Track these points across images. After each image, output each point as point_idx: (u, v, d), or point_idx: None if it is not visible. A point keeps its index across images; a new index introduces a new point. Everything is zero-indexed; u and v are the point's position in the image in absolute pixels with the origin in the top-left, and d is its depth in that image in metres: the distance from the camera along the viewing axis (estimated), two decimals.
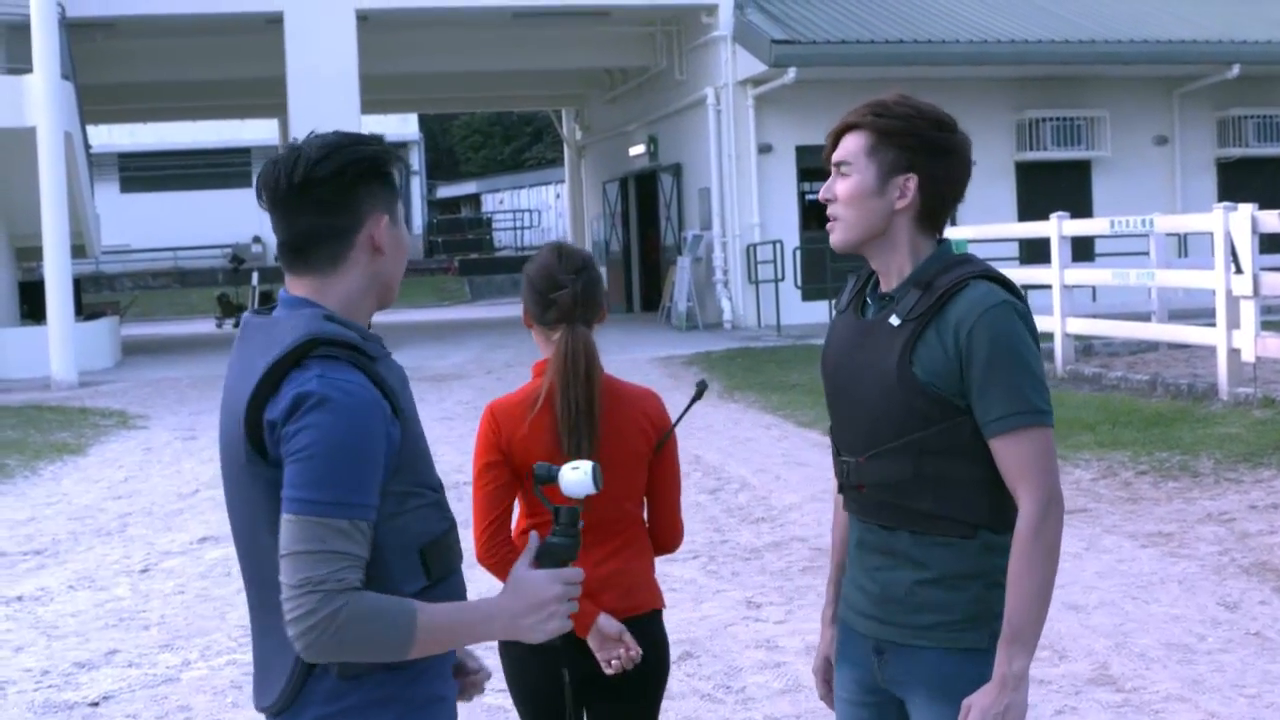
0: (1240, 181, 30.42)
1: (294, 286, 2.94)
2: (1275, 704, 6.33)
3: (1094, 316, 19.04)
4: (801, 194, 29.28)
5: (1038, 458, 3.16)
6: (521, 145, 76.30)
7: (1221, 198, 28.38)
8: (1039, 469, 3.16)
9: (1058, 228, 17.40)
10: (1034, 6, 30.38)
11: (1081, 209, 27.98)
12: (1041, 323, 18.15)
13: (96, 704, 7.06)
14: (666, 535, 4.24)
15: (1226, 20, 30.46)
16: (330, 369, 2.75)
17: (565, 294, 4.05)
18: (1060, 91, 29.98)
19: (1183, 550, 9.25)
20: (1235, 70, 28.91)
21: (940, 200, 3.34)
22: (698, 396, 4.27)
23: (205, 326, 40.66)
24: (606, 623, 3.97)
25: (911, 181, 3.30)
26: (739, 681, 7.03)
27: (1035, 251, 24.01)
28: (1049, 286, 17.81)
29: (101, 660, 7.82)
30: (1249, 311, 14.02)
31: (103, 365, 26.26)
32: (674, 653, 7.39)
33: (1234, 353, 14.19)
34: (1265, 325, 15.84)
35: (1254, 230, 13.90)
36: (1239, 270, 14.02)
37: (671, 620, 8.02)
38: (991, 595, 3.21)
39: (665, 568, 9.37)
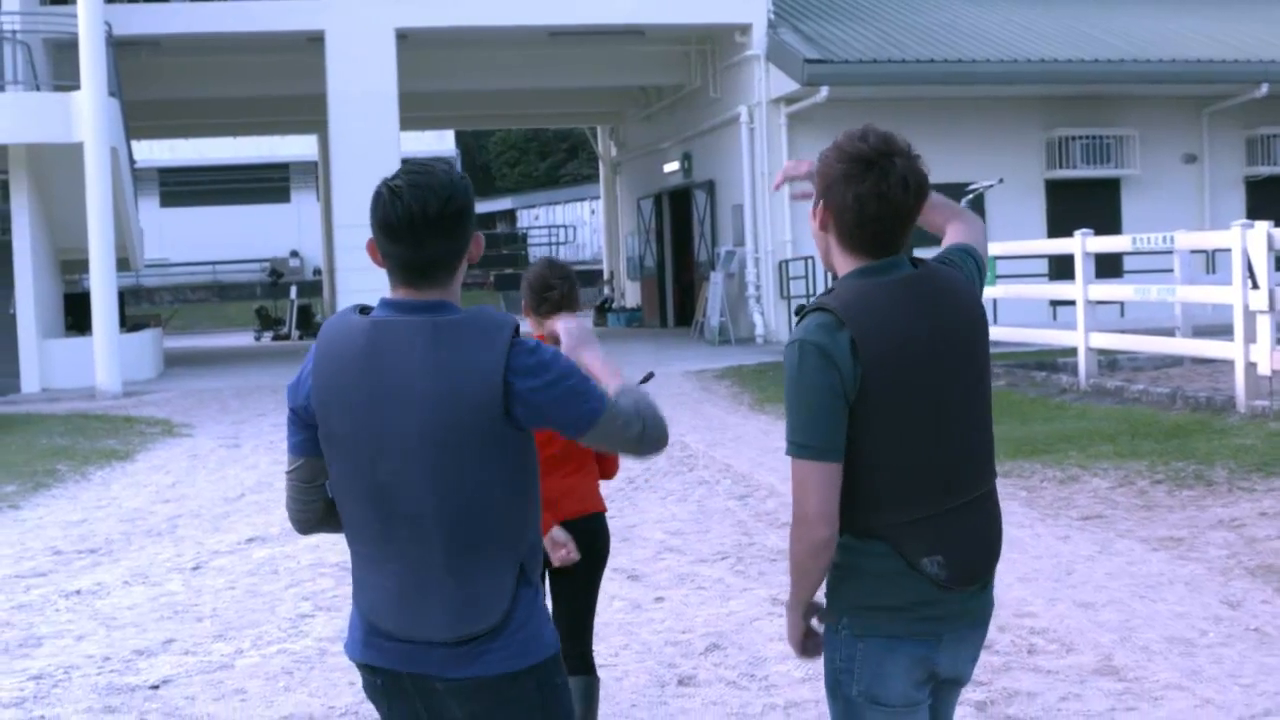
0: (1269, 199, 30.69)
1: (419, 292, 3.53)
2: (1269, 692, 6.70)
3: (1121, 331, 19.41)
4: None
5: (795, 484, 3.56)
6: (557, 161, 76.80)
7: (1250, 215, 28.69)
8: (794, 494, 3.56)
9: (1081, 244, 17.75)
10: (1063, 26, 30.76)
11: (1110, 226, 28.34)
12: (1065, 337, 18.55)
13: (157, 687, 7.49)
14: (609, 467, 5.96)
15: (1255, 40, 30.79)
16: (531, 345, 3.52)
17: (555, 293, 5.66)
18: (1089, 110, 30.32)
19: (1192, 554, 9.61)
20: (1264, 89, 29.24)
21: (844, 225, 3.64)
22: (643, 382, 4.78)
23: (244, 339, 41.27)
24: (557, 532, 5.51)
25: (818, 209, 3.68)
26: (763, 670, 7.41)
27: (1064, 268, 24.35)
28: (1074, 302, 18.17)
29: (159, 648, 8.27)
30: (1265, 326, 14.37)
31: (146, 376, 26.78)
32: (702, 645, 7.85)
33: (1251, 366, 14.55)
34: None
35: (1270, 247, 14.26)
36: (1255, 286, 14.36)
37: (701, 616, 8.46)
38: (839, 584, 3.66)
39: (696, 568, 9.80)
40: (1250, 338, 14.54)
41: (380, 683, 3.55)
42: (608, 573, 9.71)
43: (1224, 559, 9.41)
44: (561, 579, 5.76)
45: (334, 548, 10.88)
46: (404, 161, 3.73)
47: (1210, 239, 17.75)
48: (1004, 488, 12.31)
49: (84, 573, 10.44)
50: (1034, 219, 29.79)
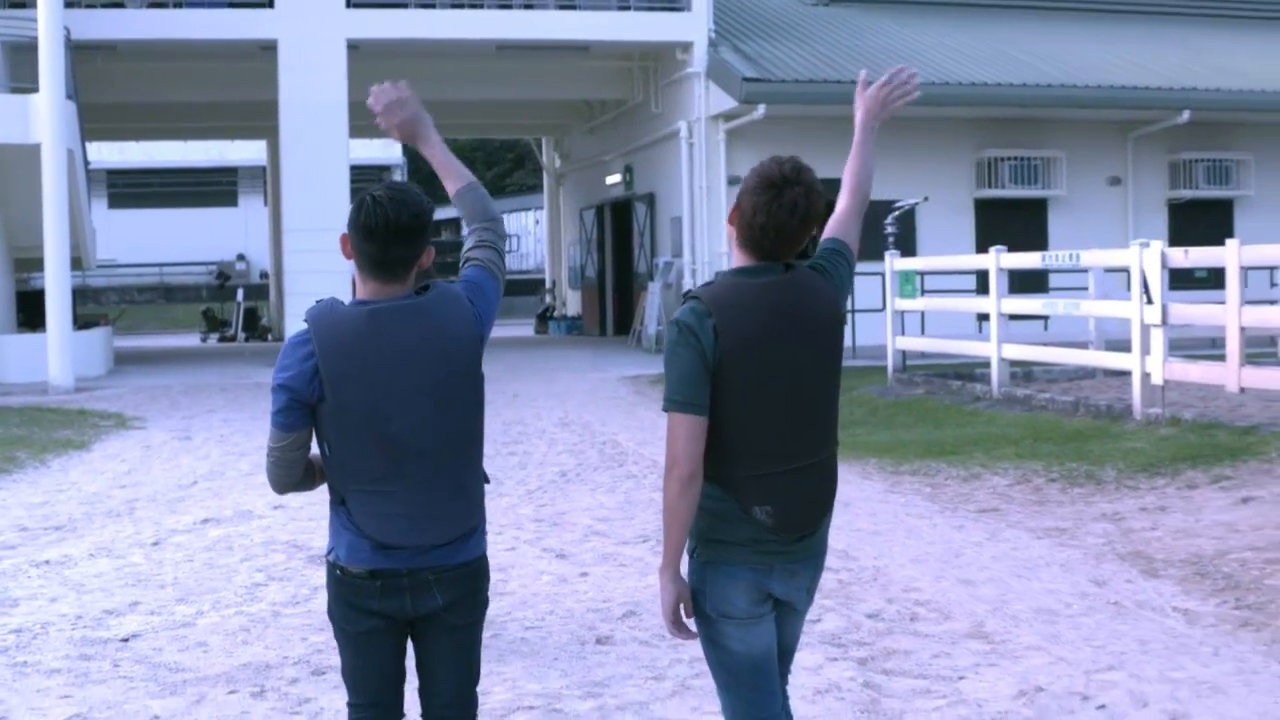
0: (1191, 221, 31.82)
1: (383, 287, 4.51)
2: (1115, 652, 7.60)
3: (1043, 344, 20.42)
4: None
5: (668, 432, 4.41)
6: (503, 171, 77.56)
7: (1172, 237, 29.84)
8: (668, 441, 4.41)
9: (996, 260, 18.73)
10: (994, 50, 31.83)
11: (1038, 245, 29.41)
12: (979, 348, 19.50)
13: (127, 640, 8.31)
14: None
15: (1178, 68, 31.96)
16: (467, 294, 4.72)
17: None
18: (1019, 132, 31.34)
19: (1072, 542, 10.53)
20: (1185, 116, 30.33)
21: (740, 228, 4.53)
22: None
23: (190, 340, 41.90)
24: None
25: (732, 210, 4.57)
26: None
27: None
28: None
29: (126, 609, 9.07)
30: (1158, 339, 15.35)
31: (97, 372, 27.49)
32: (620, 612, 8.71)
33: (1146, 376, 15.53)
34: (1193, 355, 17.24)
35: (1164, 265, 15.24)
36: (1150, 301, 15.34)
37: (621, 589, 9.31)
38: (697, 518, 4.49)
39: (619, 549, 10.66)
40: (1146, 350, 15.51)
41: (380, 584, 4.48)
42: (538, 550, 10.60)
43: (1099, 546, 10.33)
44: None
45: (284, 528, 11.71)
46: (388, 182, 4.72)
47: (1111, 257, 18.70)
48: (910, 484, 13.28)
49: (51, 546, 11.22)
50: (964, 236, 30.76)
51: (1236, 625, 8.12)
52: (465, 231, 4.91)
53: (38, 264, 27.35)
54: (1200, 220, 31.69)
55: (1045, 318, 25.60)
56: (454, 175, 4.86)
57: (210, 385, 25.21)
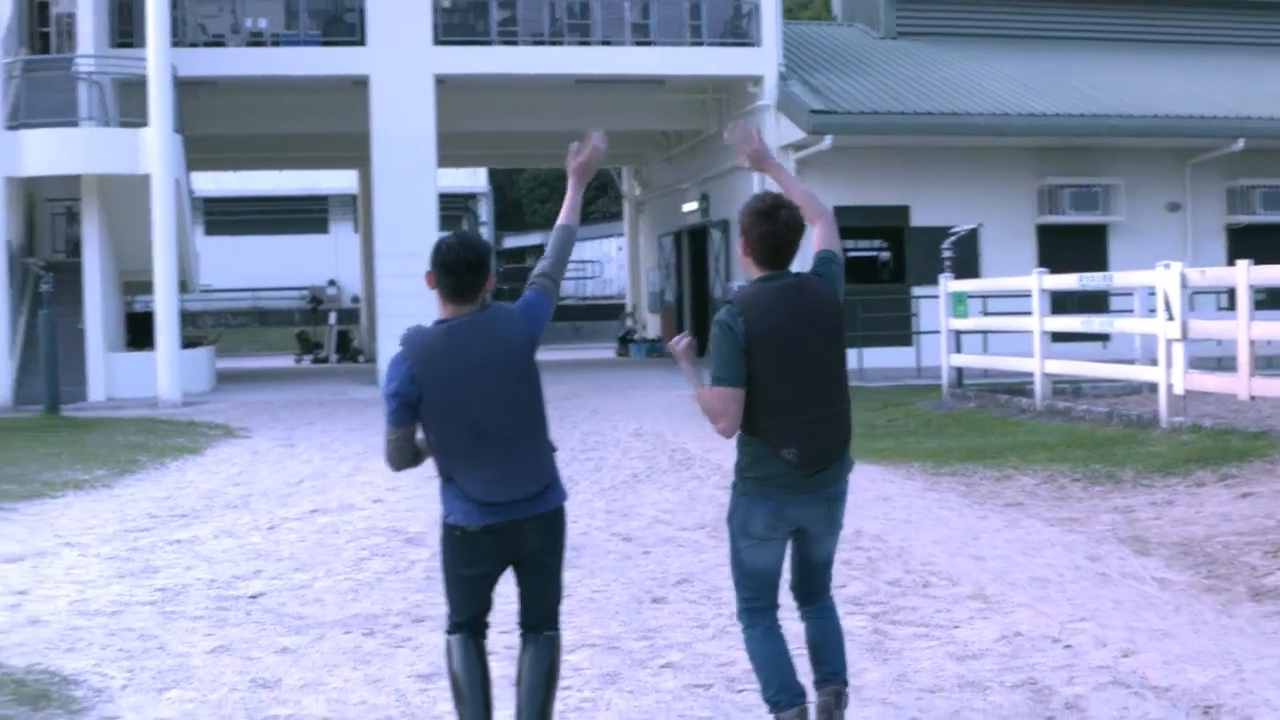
0: (1249, 246, 32.72)
1: (459, 308, 6.02)
2: (1091, 608, 8.93)
3: (1101, 361, 21.66)
4: (844, 250, 31.92)
5: (714, 400, 6.03)
6: (587, 199, 78.32)
7: (1230, 262, 30.87)
8: (713, 406, 6.03)
9: (1038, 282, 20.04)
10: (1054, 80, 33.01)
11: (1099, 269, 30.51)
12: (1024, 364, 20.78)
13: (255, 597, 9.83)
14: None
15: (1233, 96, 33.04)
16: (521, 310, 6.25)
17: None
18: (1079, 160, 32.55)
19: (1080, 529, 11.85)
20: (1240, 144, 31.44)
21: (753, 249, 6.14)
22: None
23: (285, 362, 43.61)
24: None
25: (740, 241, 6.19)
26: (720, 595, 9.64)
27: (1057, 304, 26.77)
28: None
29: (251, 575, 10.61)
30: (1179, 353, 16.64)
31: (201, 389, 29.23)
32: (674, 580, 10.10)
33: (1170, 387, 16.81)
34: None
35: (1183, 285, 16.53)
36: (1171, 318, 16.63)
37: (678, 564, 10.71)
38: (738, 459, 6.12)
39: (679, 533, 12.07)
40: (1169, 363, 16.80)
41: (491, 538, 6.00)
42: (607, 535, 12.00)
43: (1103, 532, 11.65)
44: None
45: (383, 517, 13.22)
46: (457, 232, 6.42)
47: (1137, 278, 19.83)
48: (947, 483, 14.62)
49: (180, 529, 12.78)
50: (1026, 261, 31.76)
51: (1202, 590, 9.45)
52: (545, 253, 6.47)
53: (144, 288, 29.11)
54: (1260, 245, 32.62)
55: (1106, 337, 26.76)
56: (570, 213, 6.57)
57: (308, 401, 26.87)
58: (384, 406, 6.10)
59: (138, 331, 31.08)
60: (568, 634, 8.51)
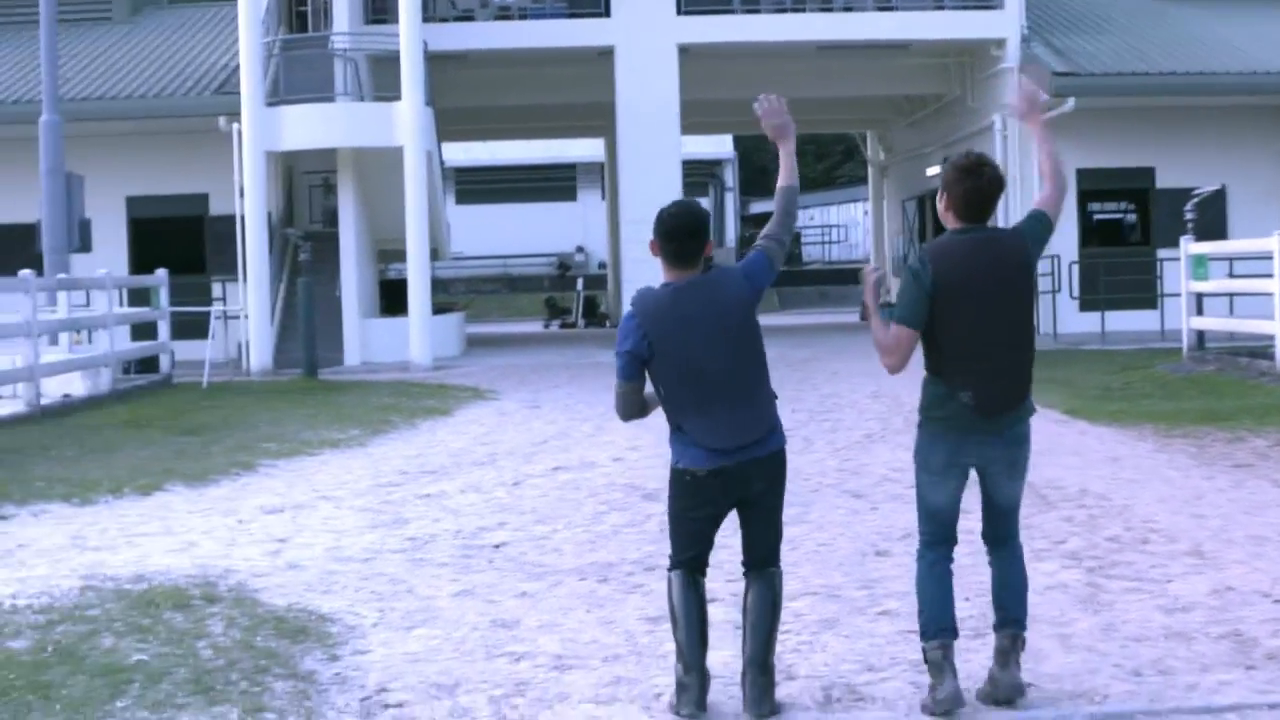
0: None
1: (682, 274, 6.49)
2: None
3: None
4: (1089, 213, 31.92)
5: (892, 336, 6.47)
6: (833, 164, 79.10)
7: None
8: (889, 342, 6.49)
9: (1279, 243, 19.84)
10: None
11: None
12: (1262, 326, 20.58)
13: (498, 546, 10.42)
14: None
15: None
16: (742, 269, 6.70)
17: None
18: None
19: None
20: None
21: (954, 203, 6.46)
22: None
23: (533, 327, 44.56)
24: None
25: (942, 196, 6.50)
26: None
27: None
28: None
29: (495, 526, 11.22)
30: None
31: (451, 353, 30.22)
32: (899, 534, 10.42)
33: None
34: None
35: None
36: None
37: (905, 519, 11.03)
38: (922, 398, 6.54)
39: (907, 490, 12.37)
40: None
41: (718, 481, 6.46)
42: (837, 492, 12.35)
43: None
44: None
45: (622, 474, 13.75)
46: (675, 201, 6.81)
47: None
48: (1179, 445, 14.70)
49: (429, 484, 13.48)
50: (1274, 223, 31.25)
51: None
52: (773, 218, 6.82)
53: (398, 255, 30.11)
54: None
55: None
56: (787, 174, 6.78)
57: (555, 365, 27.63)
58: (616, 362, 6.57)
59: (391, 298, 32.14)
60: (792, 583, 8.92)
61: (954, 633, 6.50)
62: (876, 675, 7.04)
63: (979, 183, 6.45)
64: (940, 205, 6.58)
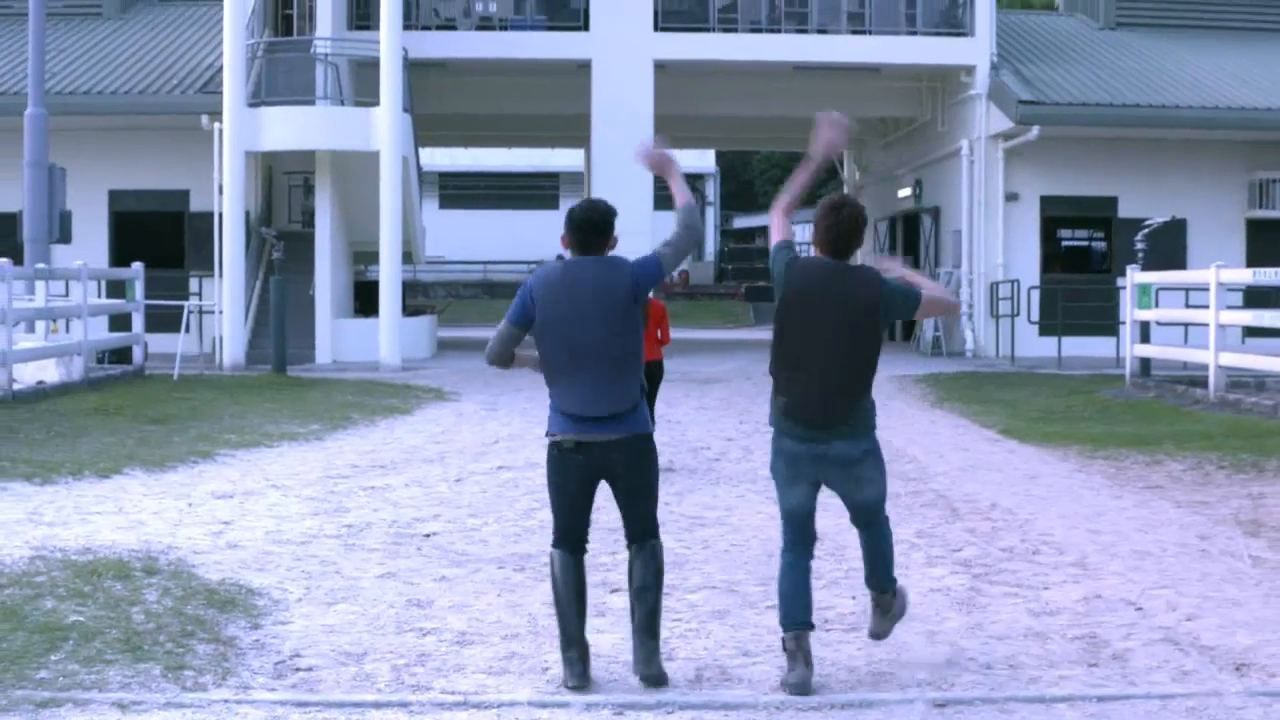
0: None
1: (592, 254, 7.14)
2: (1177, 579, 9.72)
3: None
4: (1056, 239, 32.74)
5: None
6: (817, 181, 79.71)
7: None
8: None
9: (1215, 276, 20.55)
10: (1269, 73, 33.01)
11: None
12: (1197, 355, 21.29)
13: (428, 536, 11.08)
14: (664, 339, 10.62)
15: None
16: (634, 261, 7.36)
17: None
18: None
19: (1205, 511, 12.54)
20: None
21: (818, 237, 7.19)
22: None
23: None
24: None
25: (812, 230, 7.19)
26: (846, 554, 10.62)
27: (1258, 299, 27.24)
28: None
29: (429, 518, 11.87)
30: None
31: (421, 355, 30.86)
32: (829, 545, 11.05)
33: None
34: None
35: None
36: None
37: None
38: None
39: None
40: None
41: (579, 454, 7.11)
42: (761, 499, 12.95)
43: (1226, 515, 12.33)
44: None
45: None
46: (586, 199, 7.60)
47: None
48: (1098, 466, 15.34)
49: (375, 478, 14.12)
50: (1234, 255, 31.92)
51: None
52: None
53: (374, 258, 30.72)
54: None
55: None
56: (680, 198, 7.46)
57: (518, 370, 28.16)
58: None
59: (366, 299, 32.75)
60: (694, 578, 9.61)
61: (808, 625, 7.16)
62: (749, 660, 7.69)
63: (838, 219, 7.16)
64: (811, 238, 7.27)
